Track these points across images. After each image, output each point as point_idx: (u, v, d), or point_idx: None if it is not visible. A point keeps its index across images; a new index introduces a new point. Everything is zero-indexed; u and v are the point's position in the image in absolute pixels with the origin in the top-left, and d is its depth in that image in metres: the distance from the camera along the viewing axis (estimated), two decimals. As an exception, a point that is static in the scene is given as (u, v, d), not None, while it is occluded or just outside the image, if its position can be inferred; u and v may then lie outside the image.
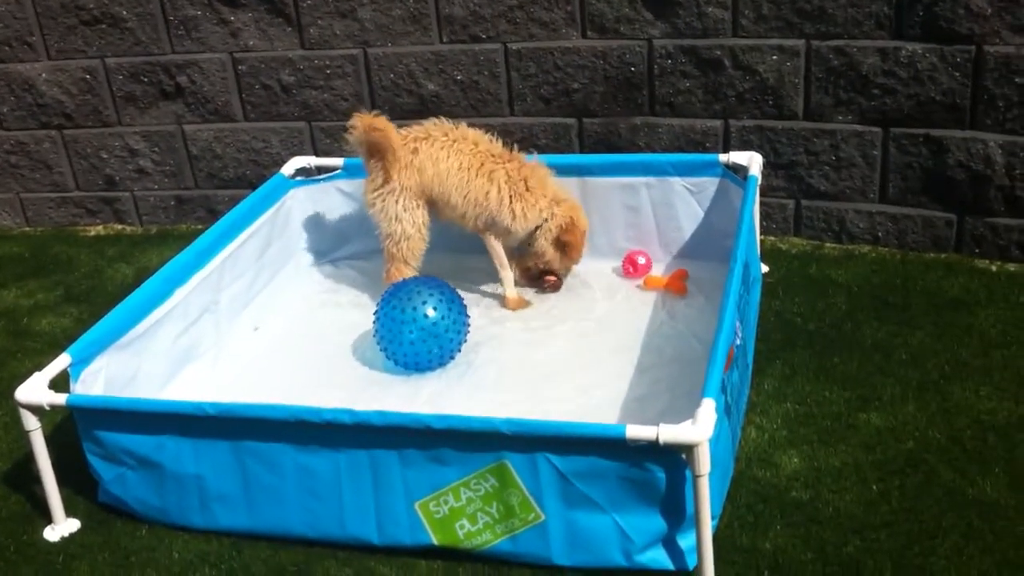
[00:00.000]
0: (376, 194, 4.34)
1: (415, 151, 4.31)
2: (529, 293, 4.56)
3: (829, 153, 4.72)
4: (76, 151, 5.73)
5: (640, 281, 4.53)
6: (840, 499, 3.26)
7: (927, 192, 4.64)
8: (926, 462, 3.39)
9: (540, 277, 4.55)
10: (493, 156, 4.33)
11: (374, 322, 4.01)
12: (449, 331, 3.95)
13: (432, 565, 3.17)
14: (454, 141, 4.33)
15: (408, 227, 4.34)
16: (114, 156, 5.68)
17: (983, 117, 4.42)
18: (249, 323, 4.46)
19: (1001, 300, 4.25)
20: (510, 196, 4.29)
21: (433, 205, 4.41)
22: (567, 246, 4.39)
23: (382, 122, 4.27)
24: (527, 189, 4.31)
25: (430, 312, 3.91)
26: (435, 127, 4.38)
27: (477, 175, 4.29)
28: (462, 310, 4.03)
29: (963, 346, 3.96)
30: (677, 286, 4.40)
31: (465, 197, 4.31)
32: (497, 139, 4.42)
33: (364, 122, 4.25)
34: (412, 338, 3.90)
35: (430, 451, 3.07)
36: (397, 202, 4.31)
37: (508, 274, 4.45)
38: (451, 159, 4.29)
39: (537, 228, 4.38)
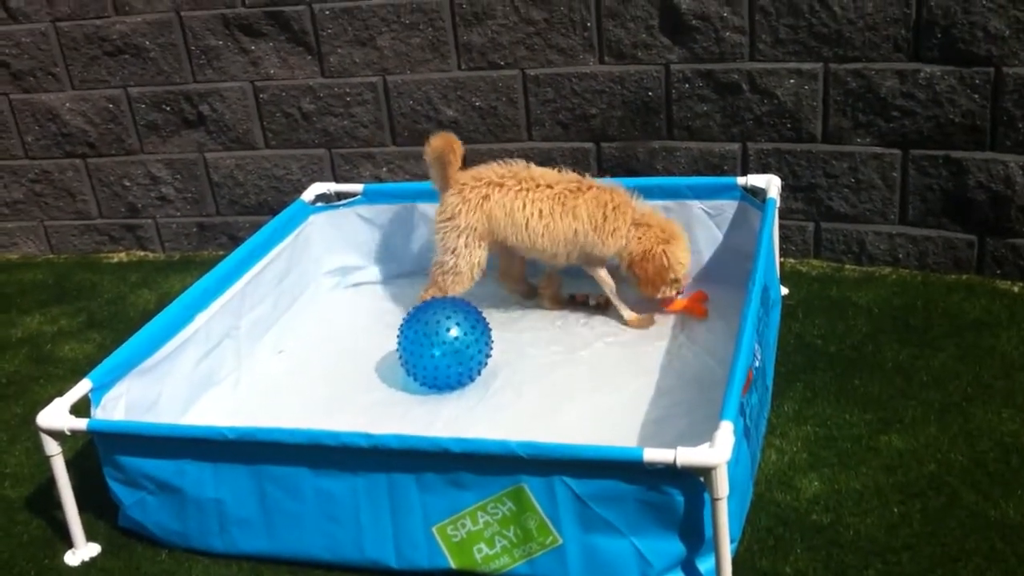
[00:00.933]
0: (442, 225, 4.35)
1: (486, 196, 4.26)
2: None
3: (848, 175, 4.72)
4: (99, 179, 5.79)
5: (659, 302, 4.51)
6: (861, 522, 3.23)
7: (947, 213, 4.62)
8: (948, 485, 3.36)
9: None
10: (570, 192, 4.25)
11: (398, 338, 4.02)
12: (471, 348, 3.96)
13: (450, 589, 3.17)
14: (527, 190, 4.25)
15: (462, 264, 4.32)
16: (137, 184, 5.74)
17: (1003, 138, 4.41)
18: (270, 348, 4.48)
19: (1023, 321, 4.22)
20: (594, 226, 4.22)
21: (506, 246, 4.37)
22: (637, 278, 4.30)
23: (451, 143, 4.26)
24: (604, 217, 4.21)
25: (454, 331, 3.92)
26: (508, 173, 4.31)
27: (561, 217, 4.23)
28: (485, 331, 4.04)
29: (985, 368, 3.94)
30: (698, 309, 4.39)
31: (554, 240, 4.26)
32: (563, 169, 4.37)
33: (434, 144, 4.27)
34: (434, 352, 3.91)
35: (448, 475, 3.06)
36: (459, 237, 4.30)
37: (618, 301, 4.41)
38: (528, 208, 4.23)
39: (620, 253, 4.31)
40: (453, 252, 4.32)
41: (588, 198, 4.24)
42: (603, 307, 4.52)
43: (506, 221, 4.27)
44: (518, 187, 4.27)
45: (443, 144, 4.27)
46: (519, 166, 4.35)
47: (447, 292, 4.34)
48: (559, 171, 4.36)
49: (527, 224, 4.24)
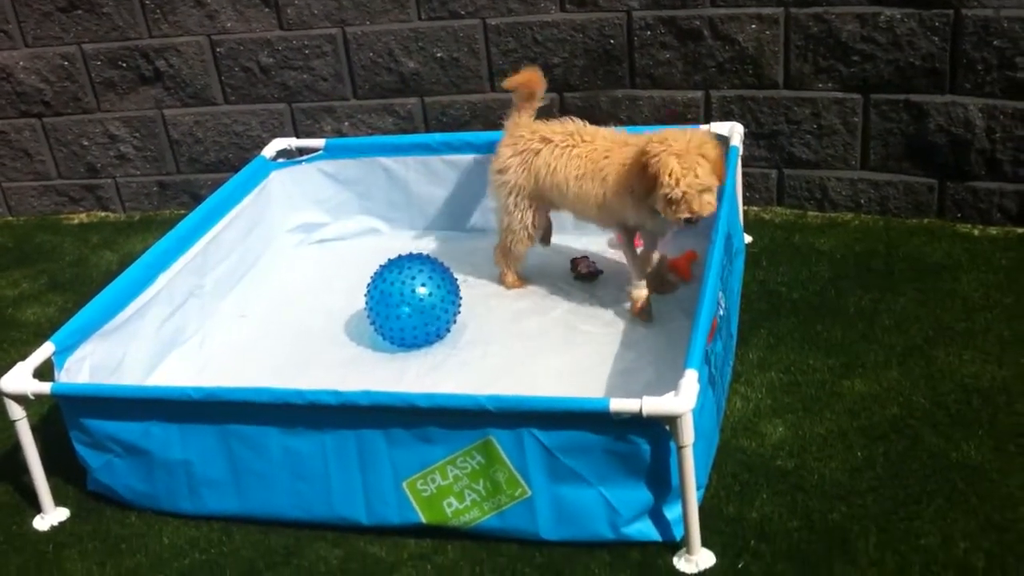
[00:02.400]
0: (495, 177, 4.27)
1: (537, 152, 4.13)
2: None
3: (810, 121, 4.72)
4: (57, 139, 5.70)
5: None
6: (825, 466, 3.28)
7: (908, 158, 4.64)
8: (911, 427, 3.40)
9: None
10: (606, 155, 4.00)
11: (365, 296, 4.01)
12: (436, 308, 3.95)
13: (421, 543, 3.19)
14: (572, 147, 4.07)
15: (514, 223, 4.26)
16: (95, 143, 5.66)
17: (962, 81, 4.42)
18: (235, 306, 4.46)
19: (983, 264, 4.26)
20: (615, 192, 3.99)
21: (559, 207, 4.27)
22: (639, 180, 3.82)
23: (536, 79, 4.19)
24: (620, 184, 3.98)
25: (422, 289, 3.91)
26: (561, 128, 4.13)
27: (592, 182, 4.02)
28: (453, 288, 4.03)
29: (946, 311, 3.98)
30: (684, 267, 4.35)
31: (587, 204, 4.09)
32: (620, 129, 4.14)
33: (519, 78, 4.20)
34: (403, 310, 3.90)
35: (416, 430, 3.07)
36: (508, 195, 4.23)
37: (637, 273, 4.12)
38: (568, 168, 4.06)
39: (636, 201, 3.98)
40: (506, 211, 4.25)
41: (614, 161, 3.98)
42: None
43: (551, 180, 4.09)
44: (564, 143, 4.09)
45: (523, 80, 4.18)
46: (575, 124, 4.14)
47: (509, 249, 4.31)
48: (613, 130, 4.11)
49: (567, 185, 4.06)
